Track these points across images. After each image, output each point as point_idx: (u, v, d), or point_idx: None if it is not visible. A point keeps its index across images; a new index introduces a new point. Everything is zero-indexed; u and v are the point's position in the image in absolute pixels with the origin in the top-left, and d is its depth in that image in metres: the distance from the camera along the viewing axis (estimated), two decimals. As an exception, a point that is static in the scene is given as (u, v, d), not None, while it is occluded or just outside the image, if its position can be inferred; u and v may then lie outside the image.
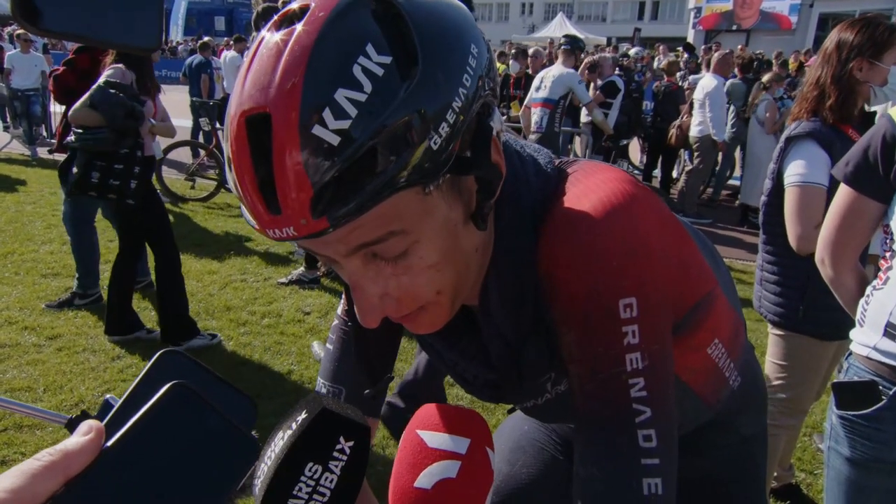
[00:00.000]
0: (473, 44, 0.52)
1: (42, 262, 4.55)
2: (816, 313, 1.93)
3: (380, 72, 0.47)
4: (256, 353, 3.38)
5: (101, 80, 3.08)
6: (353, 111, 0.46)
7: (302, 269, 4.40)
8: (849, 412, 1.32)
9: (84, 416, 0.73)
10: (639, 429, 0.56)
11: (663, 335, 0.60)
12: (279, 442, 0.51)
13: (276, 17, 0.51)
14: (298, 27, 0.48)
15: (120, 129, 3.06)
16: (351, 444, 0.50)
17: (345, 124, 0.46)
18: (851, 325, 1.42)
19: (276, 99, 0.46)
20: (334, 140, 0.46)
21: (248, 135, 0.48)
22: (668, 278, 0.62)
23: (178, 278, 3.37)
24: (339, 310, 0.98)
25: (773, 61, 9.07)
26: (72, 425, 0.74)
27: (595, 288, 0.58)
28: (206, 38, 8.94)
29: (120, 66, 3.12)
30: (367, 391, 0.86)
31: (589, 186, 0.63)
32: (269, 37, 0.50)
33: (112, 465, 0.33)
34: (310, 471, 0.49)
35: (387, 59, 0.47)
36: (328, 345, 0.97)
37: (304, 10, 0.49)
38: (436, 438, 0.51)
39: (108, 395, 0.64)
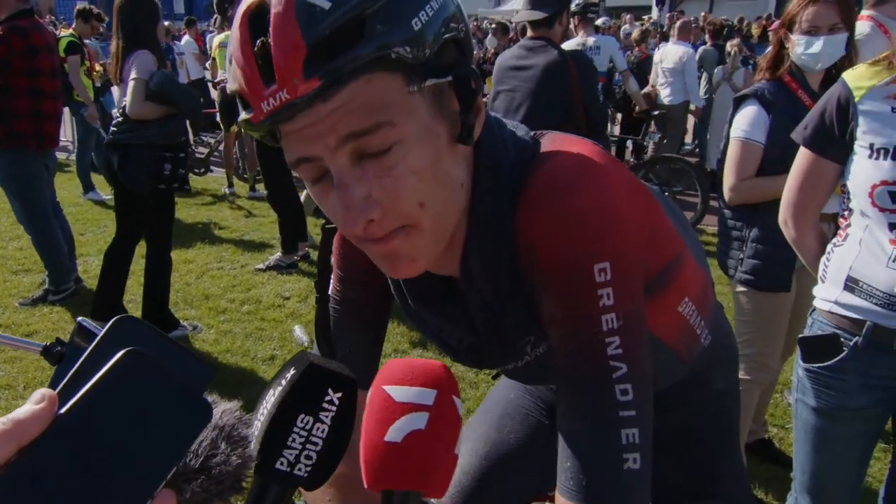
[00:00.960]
0: None
1: (11, 258, 4.46)
2: (756, 264, 2.02)
3: None
4: (238, 341, 3.38)
5: (163, 72, 2.90)
6: None
7: (279, 254, 4.38)
8: (814, 364, 1.39)
9: (59, 342, 0.75)
10: (616, 384, 0.60)
11: (636, 296, 0.64)
12: (271, 398, 0.53)
13: None
14: None
15: (191, 117, 3.01)
16: (339, 395, 0.53)
17: None
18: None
19: None
20: (325, 4, 0.53)
21: (250, 22, 0.55)
22: (639, 243, 0.66)
23: (167, 277, 3.33)
24: (331, 290, 0.99)
25: (738, 26, 9.16)
26: (47, 352, 0.75)
27: (572, 253, 0.61)
28: (165, 23, 8.67)
29: (145, 51, 2.94)
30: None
31: (563, 157, 0.67)
32: None
33: (66, 432, 0.33)
34: (302, 422, 0.52)
35: None
36: None
37: None
38: (402, 392, 0.52)
39: (80, 318, 0.65)
